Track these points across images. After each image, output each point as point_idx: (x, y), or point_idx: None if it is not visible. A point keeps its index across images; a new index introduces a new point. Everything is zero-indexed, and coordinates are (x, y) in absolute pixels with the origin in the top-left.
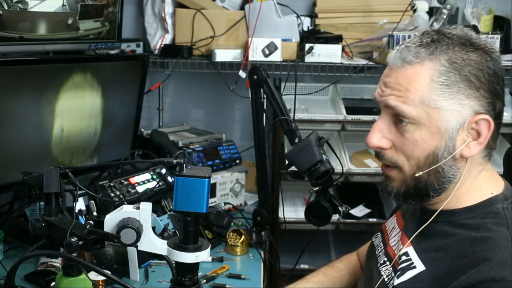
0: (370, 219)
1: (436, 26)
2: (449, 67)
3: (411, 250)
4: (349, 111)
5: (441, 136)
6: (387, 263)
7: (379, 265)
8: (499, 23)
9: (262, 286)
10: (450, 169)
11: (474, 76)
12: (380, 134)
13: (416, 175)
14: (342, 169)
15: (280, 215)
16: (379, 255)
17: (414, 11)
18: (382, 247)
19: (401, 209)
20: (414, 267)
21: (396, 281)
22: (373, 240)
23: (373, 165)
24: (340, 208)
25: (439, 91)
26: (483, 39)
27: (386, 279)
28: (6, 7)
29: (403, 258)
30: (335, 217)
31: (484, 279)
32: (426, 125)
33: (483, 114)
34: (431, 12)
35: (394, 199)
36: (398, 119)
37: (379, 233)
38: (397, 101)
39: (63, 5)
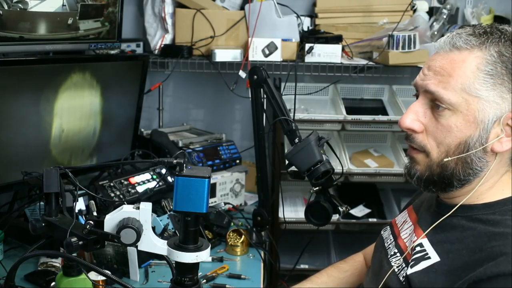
0: (370, 219)
1: (436, 26)
2: (497, 59)
3: (425, 242)
4: (349, 111)
5: (476, 126)
6: (398, 254)
7: (389, 256)
8: (499, 23)
9: (262, 286)
10: (478, 161)
11: None
12: (414, 116)
13: (445, 160)
14: (342, 169)
15: (280, 215)
16: (389, 247)
17: (414, 11)
18: (392, 240)
19: (414, 204)
20: (429, 257)
21: (409, 271)
22: (382, 233)
23: (373, 165)
24: (340, 208)
25: (482, 80)
26: None
27: (396, 270)
28: (6, 7)
29: (417, 249)
30: (335, 217)
31: (501, 272)
32: (463, 112)
33: None
34: (431, 12)
35: (416, 183)
36: (435, 104)
37: (388, 226)
38: (438, 87)
39: (63, 5)
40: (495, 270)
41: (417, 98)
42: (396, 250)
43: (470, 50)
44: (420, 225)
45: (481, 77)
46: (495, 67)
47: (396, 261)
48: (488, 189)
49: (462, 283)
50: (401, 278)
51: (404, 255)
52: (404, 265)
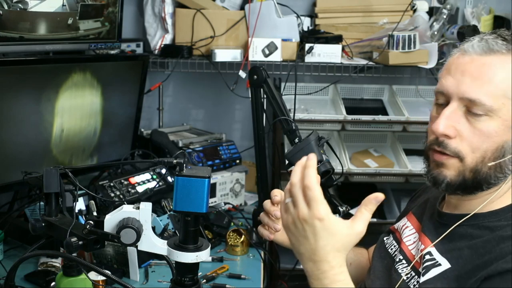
0: (370, 219)
1: (436, 26)
2: None
3: (434, 251)
4: (349, 111)
5: None
6: (404, 262)
7: (395, 263)
8: (499, 23)
9: (262, 286)
10: (508, 165)
11: None
12: (448, 122)
13: (489, 163)
14: (342, 169)
15: None
16: (395, 254)
17: (414, 11)
18: (396, 246)
19: (413, 210)
20: (439, 264)
21: (422, 279)
22: (384, 240)
23: (373, 165)
24: (340, 208)
25: None
26: None
27: (405, 279)
28: (6, 7)
29: (427, 257)
30: None
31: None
32: (502, 118)
33: None
34: (431, 12)
35: (444, 189)
36: (471, 109)
37: (390, 234)
38: (479, 94)
39: (63, 5)
40: (505, 266)
41: (444, 104)
42: (401, 257)
43: (506, 54)
44: (426, 234)
45: None
46: None
47: (403, 269)
48: (503, 194)
49: (473, 282)
50: (411, 287)
51: (412, 263)
52: (413, 273)
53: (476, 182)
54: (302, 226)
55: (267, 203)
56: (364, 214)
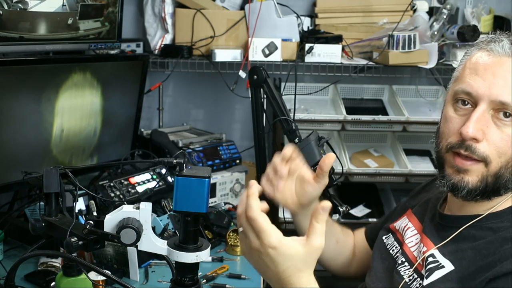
0: (370, 219)
1: (436, 26)
2: None
3: (436, 253)
4: (349, 111)
5: None
6: (406, 264)
7: (397, 265)
8: (499, 23)
9: (262, 286)
10: None
11: None
12: (478, 125)
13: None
14: (342, 169)
15: (280, 215)
16: (397, 256)
17: (414, 11)
18: (398, 247)
19: (414, 209)
20: (443, 266)
21: (425, 282)
22: (384, 240)
23: (373, 165)
24: (340, 208)
25: None
26: None
27: (408, 281)
28: (6, 7)
29: (430, 259)
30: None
31: None
32: None
33: None
34: (431, 12)
35: (463, 195)
36: (499, 112)
37: (389, 234)
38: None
39: (63, 5)
40: (510, 267)
41: (469, 104)
42: (403, 259)
43: None
44: (427, 236)
45: None
46: None
47: (405, 271)
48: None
49: (478, 283)
50: None
51: (415, 266)
52: (416, 276)
53: (496, 187)
54: (259, 256)
55: (277, 159)
56: (316, 227)
